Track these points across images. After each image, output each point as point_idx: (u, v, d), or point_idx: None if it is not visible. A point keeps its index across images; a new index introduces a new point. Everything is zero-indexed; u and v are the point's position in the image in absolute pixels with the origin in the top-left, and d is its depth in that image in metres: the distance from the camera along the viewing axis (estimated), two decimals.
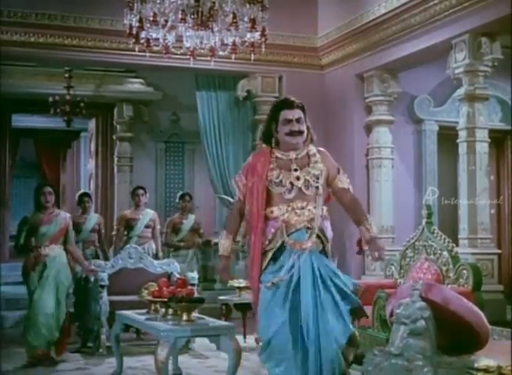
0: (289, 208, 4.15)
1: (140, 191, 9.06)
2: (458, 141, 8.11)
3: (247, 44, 7.22)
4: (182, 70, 9.84)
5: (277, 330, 3.98)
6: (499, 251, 8.30)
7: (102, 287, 7.33)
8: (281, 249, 4.14)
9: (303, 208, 4.15)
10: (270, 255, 4.16)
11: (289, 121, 4.20)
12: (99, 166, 13.20)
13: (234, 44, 7.21)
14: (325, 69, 10.20)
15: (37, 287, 6.71)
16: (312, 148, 4.31)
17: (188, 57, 7.39)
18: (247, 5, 7.00)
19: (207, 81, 10.49)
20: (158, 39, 7.19)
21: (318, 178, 4.21)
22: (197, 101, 10.50)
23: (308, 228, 4.15)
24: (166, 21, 7.01)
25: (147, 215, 9.06)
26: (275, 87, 10.33)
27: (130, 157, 12.66)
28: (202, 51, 7.37)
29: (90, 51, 9.24)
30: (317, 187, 4.19)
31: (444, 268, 6.08)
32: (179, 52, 7.38)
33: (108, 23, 9.09)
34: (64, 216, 6.99)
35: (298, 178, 4.18)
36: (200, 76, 10.41)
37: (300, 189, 4.16)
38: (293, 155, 4.23)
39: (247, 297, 7.46)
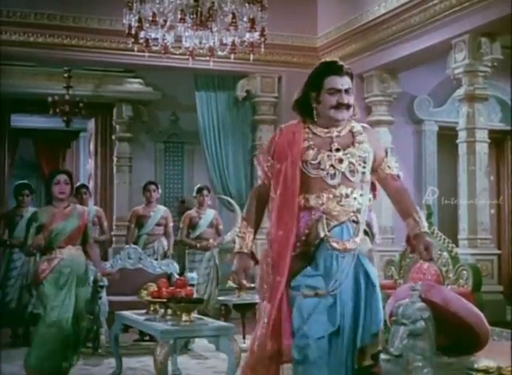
0: (331, 196, 3.33)
1: (152, 187, 8.79)
2: (458, 141, 8.10)
3: (246, 44, 7.21)
4: (181, 70, 9.83)
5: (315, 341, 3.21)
6: (498, 251, 8.29)
7: (101, 287, 7.30)
8: (318, 248, 3.31)
9: (347, 196, 3.34)
10: (304, 256, 3.34)
11: (338, 91, 3.39)
12: (98, 166, 13.17)
13: (233, 44, 7.21)
14: None
15: (52, 300, 5.37)
16: (356, 125, 3.52)
17: (187, 57, 7.39)
18: (247, 5, 7.00)
19: (206, 81, 10.48)
20: (157, 39, 7.19)
21: (364, 161, 3.41)
22: (197, 101, 10.49)
23: (354, 222, 3.36)
24: (165, 21, 7.01)
25: (159, 212, 8.80)
26: (275, 87, 10.33)
27: (129, 157, 12.63)
28: (201, 51, 7.37)
29: (89, 51, 9.23)
30: (363, 173, 3.41)
31: (444, 269, 6.07)
32: (178, 52, 7.38)
33: (107, 23, 9.08)
34: (81, 211, 5.67)
35: (341, 160, 3.37)
36: (200, 76, 10.41)
37: (343, 174, 3.36)
38: (334, 132, 3.44)
39: (246, 298, 7.45)
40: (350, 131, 3.47)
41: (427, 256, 3.47)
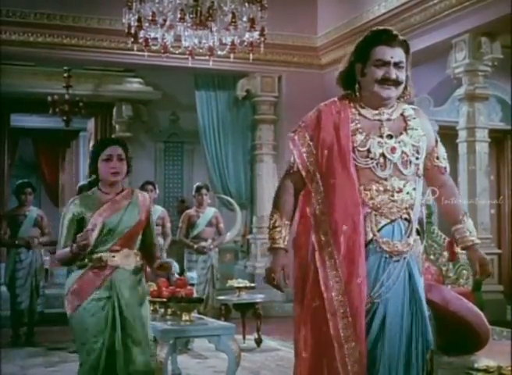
0: (382, 189, 2.89)
1: (149, 187, 8.71)
2: (458, 140, 8.11)
3: (245, 43, 7.21)
4: (181, 70, 9.83)
5: None
6: (499, 251, 8.30)
7: None
8: (365, 250, 2.86)
9: (400, 190, 2.90)
10: None
11: (385, 63, 2.91)
12: None
13: (233, 43, 7.21)
14: (325, 69, 10.19)
15: (94, 336, 3.53)
16: (407, 108, 3.05)
17: (187, 56, 7.39)
18: (246, 5, 7.01)
19: (206, 81, 10.49)
20: (156, 38, 7.20)
21: (418, 152, 2.95)
22: (197, 100, 10.49)
23: (406, 220, 2.92)
24: (165, 20, 7.02)
25: (156, 212, 8.65)
26: (275, 86, 10.33)
27: (129, 157, 12.62)
28: (201, 50, 7.37)
29: (88, 50, 9.24)
30: (417, 165, 2.95)
31: (444, 268, 6.08)
32: (177, 52, 7.38)
33: (106, 23, 9.09)
34: (142, 199, 3.80)
35: (394, 150, 2.91)
36: (200, 75, 10.41)
37: (395, 165, 2.91)
38: (384, 114, 2.97)
39: (246, 298, 7.45)
40: (402, 115, 3.01)
41: (484, 275, 3.10)
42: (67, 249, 3.55)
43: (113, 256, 3.61)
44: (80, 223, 3.61)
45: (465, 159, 7.98)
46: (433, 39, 8.17)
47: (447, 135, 9.57)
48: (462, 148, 8.04)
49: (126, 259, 3.64)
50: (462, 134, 8.04)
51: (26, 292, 7.77)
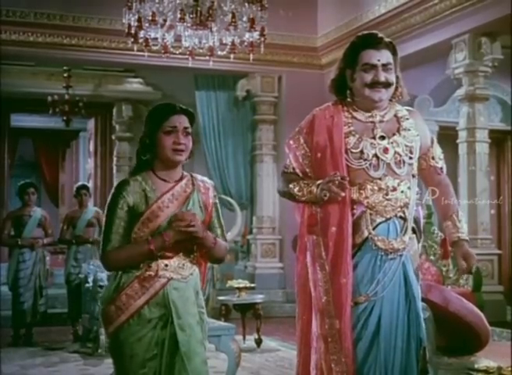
0: (376, 188, 2.93)
1: None
2: (458, 141, 8.10)
3: (245, 43, 7.21)
4: (181, 70, 9.83)
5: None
6: (499, 251, 8.29)
7: (101, 287, 7.28)
8: (361, 249, 2.92)
9: (394, 188, 2.93)
10: None
11: (373, 66, 2.97)
12: (98, 165, 13.18)
13: (233, 43, 7.21)
14: (325, 69, 10.18)
15: (139, 363, 2.75)
16: (401, 109, 3.11)
17: (187, 57, 7.39)
18: (246, 5, 7.00)
19: (206, 81, 10.49)
20: (156, 38, 7.19)
21: (411, 152, 2.99)
22: (197, 100, 10.48)
23: (401, 218, 2.96)
24: (165, 20, 7.02)
25: None
26: (275, 86, 10.33)
27: (129, 157, 12.63)
28: (201, 50, 7.37)
29: (88, 50, 9.24)
30: (410, 165, 3.00)
31: (444, 269, 6.07)
32: (177, 52, 7.37)
33: (107, 23, 9.09)
34: (204, 188, 3.10)
35: (386, 150, 2.96)
36: (200, 75, 10.41)
37: (388, 165, 2.95)
38: (377, 116, 3.02)
39: (246, 298, 7.44)
40: (395, 116, 3.06)
41: (466, 269, 3.09)
42: (137, 245, 2.77)
43: (165, 265, 2.79)
44: (130, 218, 2.80)
45: (465, 160, 7.98)
46: (433, 39, 8.16)
47: (447, 136, 9.57)
48: (462, 149, 8.04)
49: (182, 268, 2.83)
50: (462, 135, 8.03)
51: (30, 292, 7.77)
